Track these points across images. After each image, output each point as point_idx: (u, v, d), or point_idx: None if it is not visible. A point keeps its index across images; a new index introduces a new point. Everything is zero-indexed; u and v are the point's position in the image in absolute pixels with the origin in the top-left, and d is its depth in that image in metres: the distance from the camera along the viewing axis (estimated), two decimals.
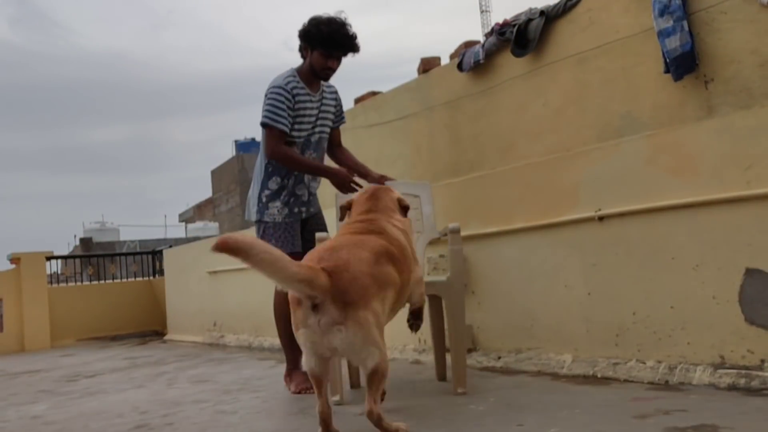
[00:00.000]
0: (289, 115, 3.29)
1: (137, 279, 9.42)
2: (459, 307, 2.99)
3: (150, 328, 8.53)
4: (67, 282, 9.68)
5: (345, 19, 3.32)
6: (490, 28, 4.72)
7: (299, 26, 3.37)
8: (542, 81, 4.20)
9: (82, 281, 9.46)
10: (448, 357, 3.09)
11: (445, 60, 5.13)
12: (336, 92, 3.60)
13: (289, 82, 3.32)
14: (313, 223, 3.55)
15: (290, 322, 3.35)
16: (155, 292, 8.76)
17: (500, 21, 4.52)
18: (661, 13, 3.37)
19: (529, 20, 4.23)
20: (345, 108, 3.72)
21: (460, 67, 4.74)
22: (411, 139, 5.11)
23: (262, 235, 3.42)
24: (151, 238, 28.67)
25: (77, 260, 10.27)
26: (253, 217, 3.48)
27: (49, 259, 8.48)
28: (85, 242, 28.50)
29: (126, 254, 11.08)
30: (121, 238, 30.88)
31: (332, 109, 3.55)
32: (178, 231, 33.57)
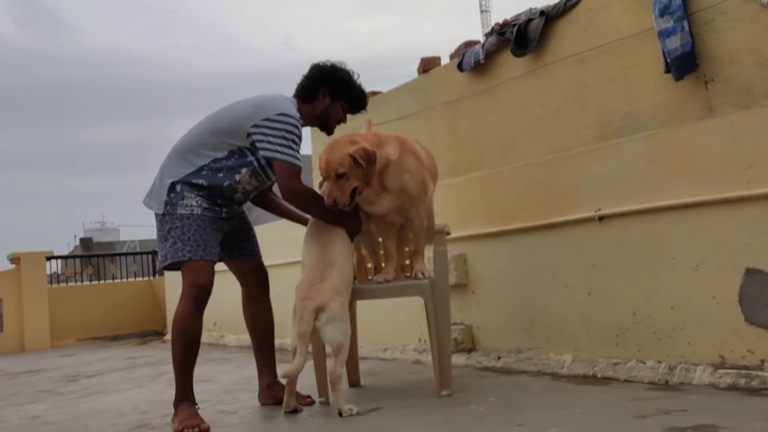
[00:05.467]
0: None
1: (137, 279, 9.42)
2: (444, 309, 2.96)
3: (150, 328, 8.53)
4: (67, 282, 9.68)
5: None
6: (490, 28, 4.72)
7: (321, 67, 3.05)
8: (542, 81, 4.20)
9: (82, 281, 9.46)
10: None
11: (445, 60, 5.13)
12: None
13: (300, 118, 2.93)
14: (236, 224, 3.11)
15: (195, 344, 2.82)
16: (155, 292, 8.75)
17: (500, 21, 4.52)
18: (662, 14, 3.37)
19: (529, 20, 4.23)
20: None
21: (460, 67, 4.74)
22: None
23: (168, 230, 2.82)
24: (151, 238, 28.56)
25: (77, 260, 10.26)
26: (160, 210, 2.87)
27: (49, 259, 8.47)
28: (85, 242, 28.49)
29: (126, 254, 11.08)
30: (121, 238, 30.89)
31: None
32: None
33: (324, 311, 2.68)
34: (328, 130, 3.11)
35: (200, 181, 2.86)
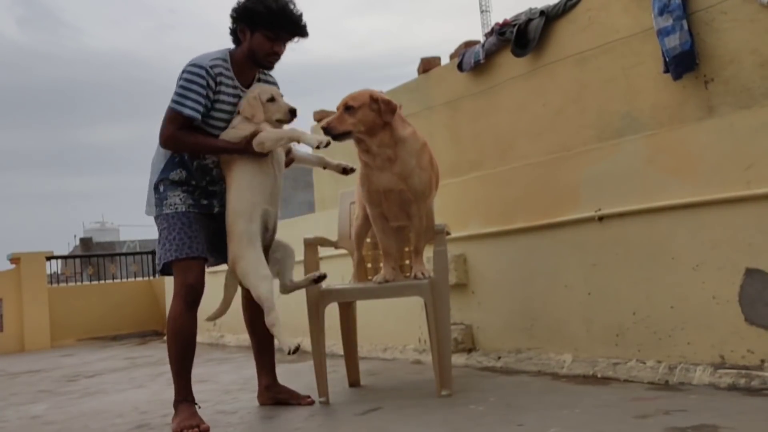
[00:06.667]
0: (205, 102, 2.73)
1: (137, 279, 9.41)
2: (444, 309, 2.96)
3: (150, 328, 8.53)
4: (67, 282, 9.68)
5: None
6: (490, 28, 4.72)
7: (233, 8, 2.86)
8: (542, 81, 4.20)
9: (82, 281, 9.45)
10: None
11: (445, 60, 5.13)
12: (276, 85, 3.03)
13: (215, 65, 2.77)
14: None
15: (190, 343, 2.80)
16: (155, 292, 8.75)
17: (500, 21, 4.52)
18: (661, 12, 3.37)
19: (529, 20, 4.23)
20: None
21: (460, 67, 4.75)
22: None
23: (160, 232, 2.82)
24: (151, 238, 28.58)
25: (77, 260, 10.25)
26: (152, 213, 2.87)
27: (49, 259, 8.47)
28: (85, 242, 28.45)
29: (126, 254, 11.07)
30: (121, 238, 30.88)
31: None
32: None
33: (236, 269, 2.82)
34: (264, 65, 2.91)
35: (178, 170, 2.82)
